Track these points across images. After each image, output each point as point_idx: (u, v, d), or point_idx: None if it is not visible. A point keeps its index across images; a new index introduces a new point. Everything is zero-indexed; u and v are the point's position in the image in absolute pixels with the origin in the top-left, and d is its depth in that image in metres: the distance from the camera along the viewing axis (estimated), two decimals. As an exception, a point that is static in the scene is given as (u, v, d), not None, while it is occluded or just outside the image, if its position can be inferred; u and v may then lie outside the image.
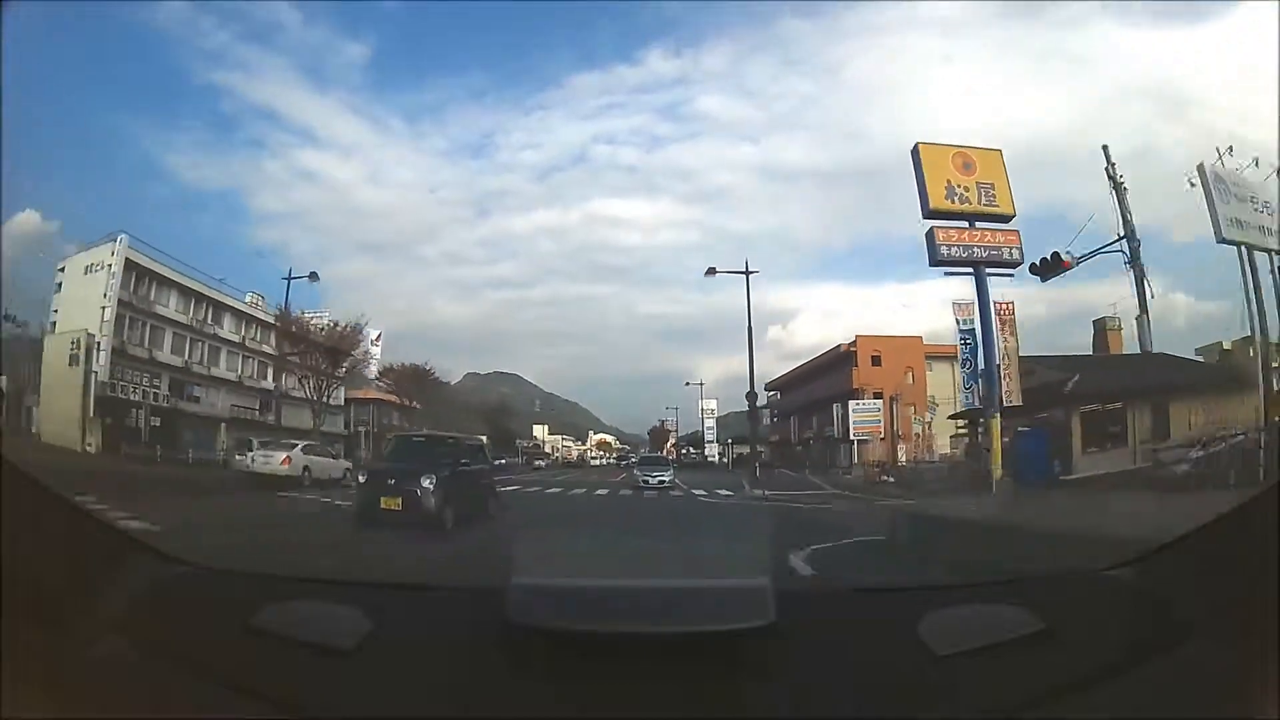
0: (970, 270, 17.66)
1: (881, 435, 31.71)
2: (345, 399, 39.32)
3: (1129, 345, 21.65)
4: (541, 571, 1.63)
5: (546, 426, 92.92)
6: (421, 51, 65.82)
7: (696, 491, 20.97)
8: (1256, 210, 14.55)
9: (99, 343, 26.35)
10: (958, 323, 18.57)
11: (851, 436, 32.58)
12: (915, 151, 18.23)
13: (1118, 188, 14.67)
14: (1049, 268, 16.28)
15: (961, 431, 26.15)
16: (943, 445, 29.66)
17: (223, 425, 32.00)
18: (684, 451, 62.56)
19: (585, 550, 5.40)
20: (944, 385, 30.52)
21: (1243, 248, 14.19)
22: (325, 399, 30.42)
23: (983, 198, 17.99)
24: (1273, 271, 14.04)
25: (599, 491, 21.22)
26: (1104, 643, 1.40)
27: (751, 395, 30.26)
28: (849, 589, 2.26)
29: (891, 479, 23.97)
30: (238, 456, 21.74)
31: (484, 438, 22.52)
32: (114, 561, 1.52)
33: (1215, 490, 11.53)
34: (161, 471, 20.00)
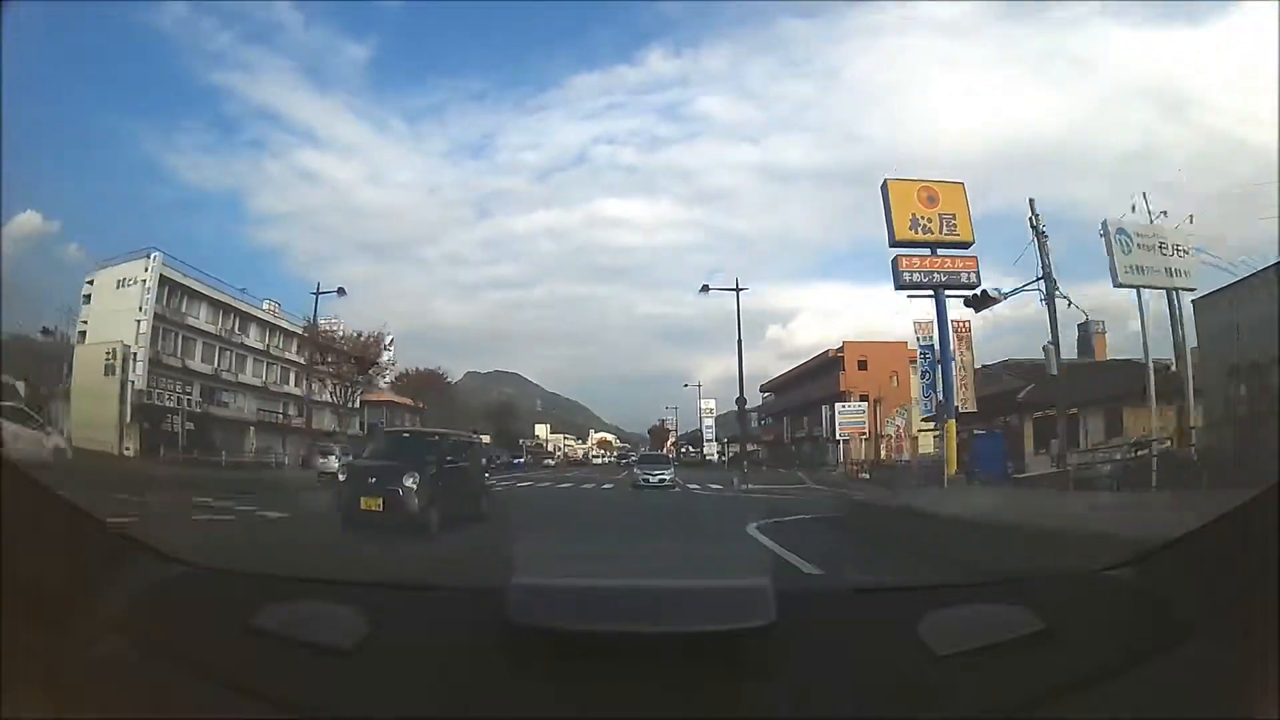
0: (931, 293, 19.94)
1: (865, 435, 33.28)
2: (359, 401, 41.65)
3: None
4: (542, 571, 1.63)
5: (548, 425, 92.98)
6: (422, 52, 67.53)
7: (691, 485, 24.04)
8: (1165, 254, 16.89)
9: (135, 354, 28.75)
10: (919, 339, 20.82)
11: (838, 436, 34.25)
12: (884, 187, 20.38)
13: (1039, 235, 17.23)
14: (980, 302, 18.89)
15: (936, 433, 28.32)
16: (926, 446, 31.70)
17: (251, 429, 34.33)
18: (684, 450, 61.98)
19: (585, 550, 5.47)
20: (926, 389, 32.53)
21: (1139, 290, 16.94)
22: (349, 404, 32.77)
23: (944, 228, 20.22)
24: (1170, 305, 16.61)
25: (606, 485, 24.92)
26: (1104, 643, 1.39)
27: (741, 400, 32.48)
28: (849, 589, 2.29)
29: (868, 475, 26.26)
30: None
31: (483, 436, 24.98)
32: (114, 561, 1.52)
33: (1134, 490, 13.60)
34: (232, 475, 21.53)
